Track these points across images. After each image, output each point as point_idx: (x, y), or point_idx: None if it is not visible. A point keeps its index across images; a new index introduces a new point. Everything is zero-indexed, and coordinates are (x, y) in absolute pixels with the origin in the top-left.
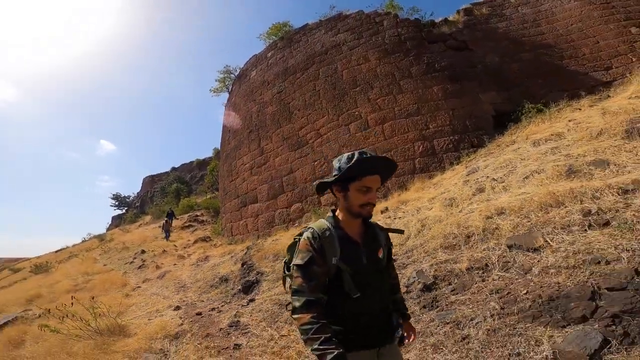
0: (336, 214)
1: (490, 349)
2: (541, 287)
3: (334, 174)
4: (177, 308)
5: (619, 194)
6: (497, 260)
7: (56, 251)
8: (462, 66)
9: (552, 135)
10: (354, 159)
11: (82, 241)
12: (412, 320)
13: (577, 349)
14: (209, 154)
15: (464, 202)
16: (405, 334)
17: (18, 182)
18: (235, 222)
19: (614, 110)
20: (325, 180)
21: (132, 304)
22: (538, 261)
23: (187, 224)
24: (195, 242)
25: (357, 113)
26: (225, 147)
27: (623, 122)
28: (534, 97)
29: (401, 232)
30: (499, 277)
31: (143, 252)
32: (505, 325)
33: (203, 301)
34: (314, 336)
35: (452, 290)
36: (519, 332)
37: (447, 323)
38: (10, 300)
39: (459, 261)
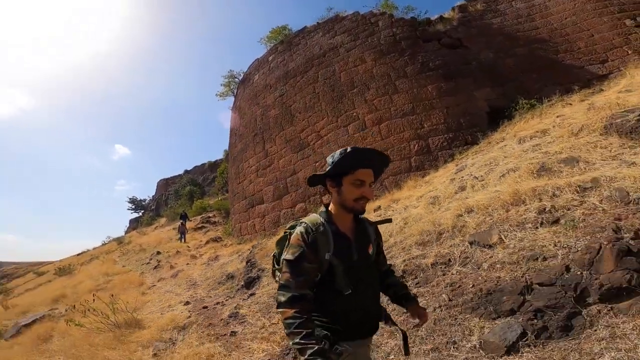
0: (329, 208)
1: (433, 337)
2: (485, 281)
3: (327, 169)
4: (187, 303)
5: (577, 192)
6: (459, 256)
7: (78, 254)
8: (456, 64)
9: (537, 132)
10: (346, 152)
11: (102, 244)
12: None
13: (498, 340)
14: (220, 155)
15: (446, 200)
16: (416, 317)
17: (41, 189)
18: (243, 223)
19: (600, 106)
20: (318, 173)
21: (148, 301)
22: (490, 257)
23: (199, 225)
24: (207, 242)
25: (354, 114)
26: (232, 150)
27: (603, 118)
28: (528, 92)
29: (389, 221)
30: (457, 272)
31: (158, 253)
32: (449, 316)
33: (211, 297)
34: (296, 330)
35: (416, 284)
36: (458, 322)
37: (405, 313)
38: (37, 300)
39: (427, 257)
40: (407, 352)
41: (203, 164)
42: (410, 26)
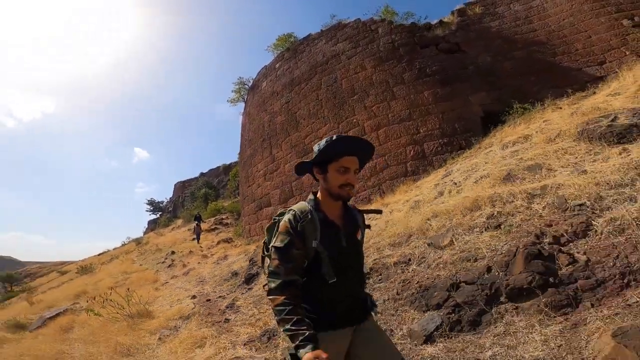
0: (317, 196)
1: None
2: (427, 278)
3: (314, 157)
4: (194, 297)
5: (527, 199)
6: (418, 256)
7: (99, 254)
8: (454, 68)
9: (520, 137)
10: (332, 140)
11: (122, 245)
12: None
13: (420, 329)
14: (234, 158)
15: (426, 204)
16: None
17: (65, 192)
18: (252, 224)
19: (584, 110)
20: (304, 160)
21: (160, 296)
22: (439, 257)
23: (212, 227)
24: (219, 243)
25: (354, 120)
26: (243, 154)
27: (580, 124)
28: (526, 95)
29: (379, 212)
30: (412, 270)
31: (173, 253)
32: (393, 308)
33: (215, 292)
34: (287, 317)
35: (379, 280)
36: (398, 313)
37: None
38: (60, 296)
39: (393, 256)
40: None
41: (218, 167)
42: (408, 32)
